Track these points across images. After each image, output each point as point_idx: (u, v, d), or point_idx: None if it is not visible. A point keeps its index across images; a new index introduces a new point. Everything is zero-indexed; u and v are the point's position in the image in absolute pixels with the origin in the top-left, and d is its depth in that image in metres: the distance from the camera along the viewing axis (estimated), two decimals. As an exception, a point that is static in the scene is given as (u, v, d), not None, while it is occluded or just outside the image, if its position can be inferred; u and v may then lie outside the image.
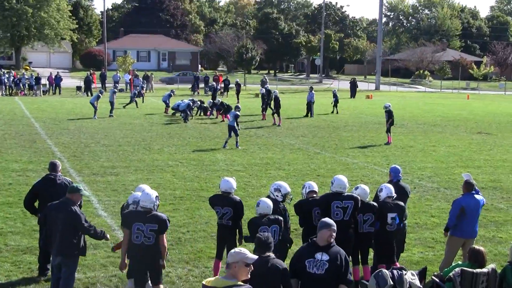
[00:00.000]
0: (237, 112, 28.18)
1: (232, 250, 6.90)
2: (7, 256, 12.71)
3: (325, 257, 8.15)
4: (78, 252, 10.25)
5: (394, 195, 11.55)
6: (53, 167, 11.76)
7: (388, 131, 29.84)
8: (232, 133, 27.46)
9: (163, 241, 9.75)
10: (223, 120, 37.14)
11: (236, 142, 27.44)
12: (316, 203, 11.12)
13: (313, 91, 42.87)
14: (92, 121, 35.64)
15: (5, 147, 25.78)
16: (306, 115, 41.55)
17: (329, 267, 8.11)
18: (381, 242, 11.35)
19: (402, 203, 11.62)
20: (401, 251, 12.27)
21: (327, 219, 8.50)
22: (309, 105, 41.86)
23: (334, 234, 8.27)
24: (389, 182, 12.47)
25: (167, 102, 41.31)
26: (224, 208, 11.09)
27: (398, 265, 11.05)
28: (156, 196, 9.85)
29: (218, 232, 11.38)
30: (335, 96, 44.28)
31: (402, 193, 12.28)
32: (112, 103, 38.40)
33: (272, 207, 10.15)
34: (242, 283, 6.72)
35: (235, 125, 27.55)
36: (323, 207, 10.80)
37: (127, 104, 44.25)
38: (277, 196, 10.84)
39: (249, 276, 6.81)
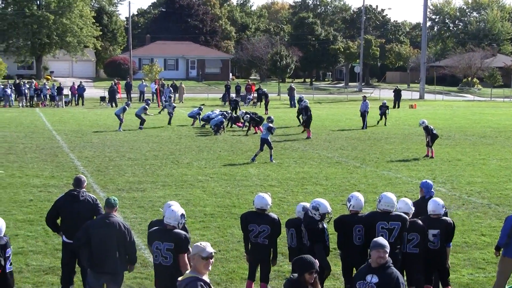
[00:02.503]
0: (270, 124, 28.17)
1: (194, 244, 7.61)
2: (28, 276, 12.86)
3: (375, 279, 8.16)
4: (124, 268, 10.66)
5: (442, 213, 11.41)
6: (77, 182, 11.88)
7: (428, 145, 29.44)
8: (265, 146, 27.46)
9: (183, 261, 9.51)
10: (255, 132, 37.18)
11: (270, 155, 27.46)
12: (359, 221, 10.99)
13: (367, 100, 42.73)
14: (117, 134, 35.97)
15: (26, 161, 26.13)
16: (363, 127, 41.34)
17: None
18: (424, 261, 11.23)
19: (449, 220, 11.48)
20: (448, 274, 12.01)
21: (379, 239, 8.52)
22: (363, 115, 41.72)
23: (385, 255, 8.27)
24: (421, 198, 12.31)
25: (195, 117, 41.75)
26: (261, 226, 11.12)
27: None
28: (182, 214, 9.83)
29: (252, 251, 11.39)
30: (384, 106, 43.76)
31: None
32: (140, 117, 38.67)
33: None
34: (198, 277, 7.45)
35: (269, 138, 27.57)
36: (367, 227, 10.72)
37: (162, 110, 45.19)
38: (314, 214, 10.80)
39: (209, 269, 7.55)
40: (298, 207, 11.50)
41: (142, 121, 38.68)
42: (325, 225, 10.90)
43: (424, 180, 12.94)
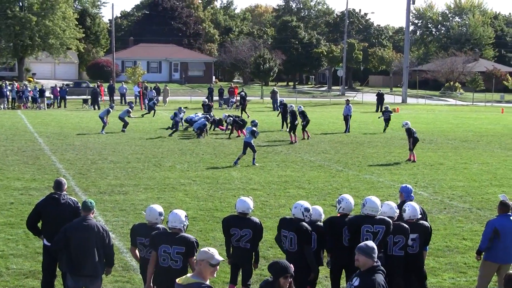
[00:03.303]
0: (254, 128, 28.16)
1: (202, 249, 7.58)
2: (8, 280, 12.77)
3: (356, 282, 8.26)
4: (103, 271, 10.64)
5: (419, 216, 11.46)
6: (58, 185, 11.81)
7: (410, 149, 29.58)
8: (248, 150, 27.45)
9: (193, 264, 9.65)
10: (238, 136, 37.18)
11: (253, 158, 27.47)
12: (346, 223, 11.06)
13: (350, 104, 42.78)
14: (100, 136, 35.84)
15: (7, 164, 25.96)
16: (346, 131, 41.33)
17: None
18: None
19: (426, 223, 11.52)
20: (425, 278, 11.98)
21: (366, 243, 8.49)
22: (346, 119, 41.77)
23: (360, 258, 8.29)
24: (401, 203, 12.33)
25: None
26: (243, 230, 11.09)
27: None
28: (185, 216, 10.03)
29: (234, 255, 11.37)
30: (387, 111, 42.42)
31: None
32: (123, 120, 38.45)
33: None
34: (204, 283, 7.43)
35: (252, 141, 27.57)
36: (352, 230, 10.73)
37: (146, 114, 45.10)
38: (306, 216, 10.95)
39: (215, 275, 7.58)
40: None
41: (125, 124, 38.51)
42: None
43: (403, 185, 12.97)
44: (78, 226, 10.35)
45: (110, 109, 39.36)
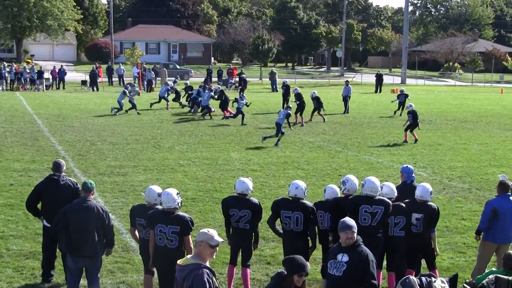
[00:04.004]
0: (289, 111, 29.13)
1: (201, 230, 7.54)
2: (8, 261, 12.79)
3: (345, 258, 8.53)
4: (102, 252, 10.68)
5: (427, 199, 11.44)
6: (56, 167, 11.82)
7: (407, 130, 29.54)
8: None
9: (188, 242, 9.83)
10: (225, 116, 36.92)
11: (278, 140, 27.75)
12: (345, 202, 11.06)
13: (349, 85, 42.61)
14: (98, 118, 35.75)
15: (6, 146, 25.94)
16: (345, 112, 41.07)
17: (347, 269, 8.47)
18: (406, 245, 11.30)
19: (434, 205, 11.53)
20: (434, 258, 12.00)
21: (346, 220, 8.80)
22: (345, 100, 41.60)
23: (353, 235, 8.63)
24: (402, 183, 12.32)
25: (166, 97, 41.38)
26: (242, 210, 11.10)
27: (437, 273, 11.07)
28: (177, 193, 10.09)
29: (233, 236, 11.39)
30: (403, 94, 40.70)
31: None
32: (131, 102, 38.40)
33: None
34: (203, 263, 7.42)
35: (282, 124, 28.19)
36: (351, 210, 10.73)
37: (156, 103, 41.97)
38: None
39: (214, 257, 7.54)
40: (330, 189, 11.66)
41: (134, 106, 38.29)
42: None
43: (404, 165, 12.91)
44: (78, 207, 10.34)
45: (125, 90, 39.31)
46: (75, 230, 10.27)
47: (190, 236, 9.87)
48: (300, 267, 7.79)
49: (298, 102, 35.57)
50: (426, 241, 11.49)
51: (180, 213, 9.99)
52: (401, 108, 40.10)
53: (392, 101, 42.65)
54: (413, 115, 29.50)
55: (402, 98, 40.34)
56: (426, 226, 11.34)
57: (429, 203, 11.43)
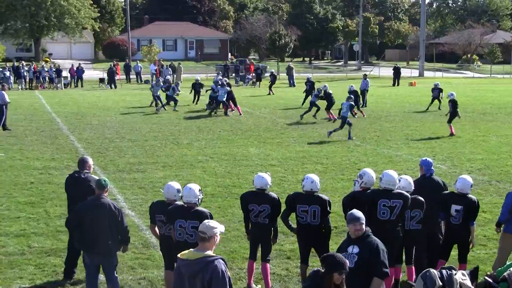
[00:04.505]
0: (351, 102, 29.20)
1: (207, 222, 7.58)
2: (30, 258, 12.90)
3: (356, 250, 8.58)
4: (117, 249, 10.65)
5: (467, 192, 11.46)
6: (79, 164, 12.05)
7: (449, 121, 29.60)
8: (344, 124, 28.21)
9: None
10: (232, 110, 36.91)
11: (349, 132, 28.16)
12: (364, 196, 11.00)
13: (367, 79, 42.46)
14: (117, 116, 35.88)
15: (26, 144, 26.12)
16: (363, 105, 40.31)
17: (358, 260, 8.51)
18: (444, 236, 11.46)
19: (474, 198, 11.52)
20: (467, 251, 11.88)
21: (354, 212, 8.83)
22: (363, 93, 41.44)
23: (361, 227, 8.66)
24: (421, 176, 12.24)
25: (174, 97, 39.59)
26: (261, 205, 11.11)
27: (465, 266, 11.08)
28: (199, 190, 10.11)
29: (253, 231, 11.40)
30: (436, 88, 38.74)
31: (438, 189, 11.91)
32: (172, 98, 38.59)
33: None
34: (214, 254, 7.42)
35: (348, 116, 28.51)
36: (369, 205, 10.71)
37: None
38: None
39: (214, 247, 7.55)
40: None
41: (171, 99, 38.66)
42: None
43: (423, 158, 12.81)
44: (91, 205, 10.38)
45: (162, 84, 39.53)
46: (88, 228, 10.29)
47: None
48: (341, 265, 7.69)
49: (326, 98, 35.28)
50: (463, 234, 11.47)
51: (200, 208, 10.03)
52: (435, 102, 38.91)
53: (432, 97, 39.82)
54: (452, 103, 29.56)
55: (436, 92, 38.99)
56: (465, 218, 11.33)
57: (469, 195, 11.44)
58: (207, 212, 9.95)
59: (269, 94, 50.14)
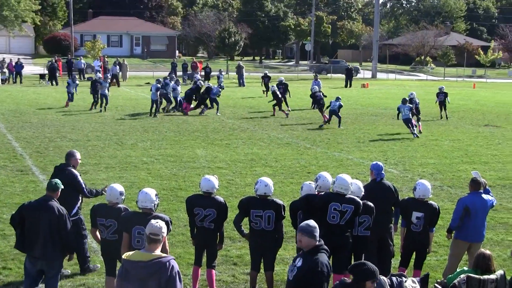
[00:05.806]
0: (410, 105, 30.51)
1: (155, 223, 7.84)
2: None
3: (299, 263, 8.26)
4: (62, 254, 10.39)
5: (429, 196, 11.62)
6: (65, 157, 12.46)
7: (418, 120, 31.61)
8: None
9: (165, 244, 9.68)
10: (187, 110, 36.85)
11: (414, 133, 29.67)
12: (315, 199, 11.06)
13: (318, 80, 42.67)
14: (58, 114, 35.44)
15: (-40, 143, 25.64)
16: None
17: (296, 274, 8.21)
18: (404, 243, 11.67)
19: (435, 204, 11.68)
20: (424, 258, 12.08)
21: (308, 223, 8.46)
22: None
23: (302, 238, 8.27)
24: (372, 181, 12.31)
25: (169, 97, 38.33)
26: (207, 209, 11.05)
27: (420, 273, 11.26)
28: (156, 195, 10.02)
29: (198, 236, 11.34)
30: (442, 93, 37.92)
31: (388, 194, 11.94)
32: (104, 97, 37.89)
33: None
34: (165, 254, 7.76)
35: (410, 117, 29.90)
36: (320, 207, 10.76)
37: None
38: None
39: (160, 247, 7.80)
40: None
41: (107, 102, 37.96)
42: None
43: (374, 162, 12.83)
44: (35, 206, 10.21)
45: (158, 85, 37.90)
46: (29, 229, 10.13)
47: (166, 237, 9.78)
48: (373, 274, 7.65)
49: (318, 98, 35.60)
50: (423, 241, 11.63)
51: (158, 213, 9.92)
52: (443, 108, 37.91)
53: (436, 102, 39.13)
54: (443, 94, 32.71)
55: (442, 97, 37.92)
56: (425, 225, 11.49)
57: (430, 202, 11.60)
58: (166, 218, 9.78)
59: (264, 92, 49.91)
